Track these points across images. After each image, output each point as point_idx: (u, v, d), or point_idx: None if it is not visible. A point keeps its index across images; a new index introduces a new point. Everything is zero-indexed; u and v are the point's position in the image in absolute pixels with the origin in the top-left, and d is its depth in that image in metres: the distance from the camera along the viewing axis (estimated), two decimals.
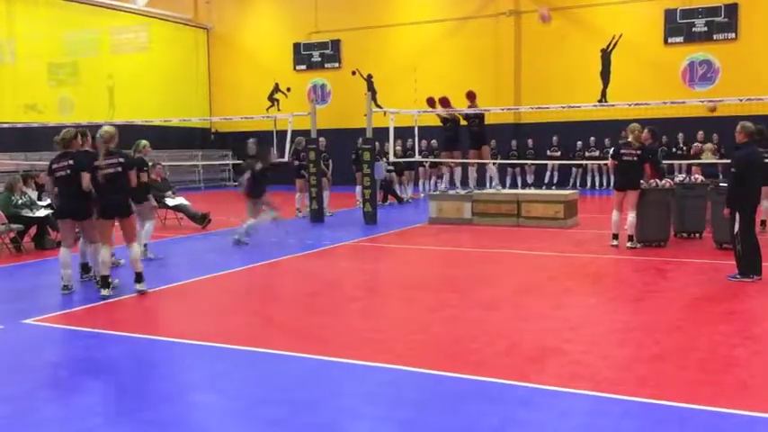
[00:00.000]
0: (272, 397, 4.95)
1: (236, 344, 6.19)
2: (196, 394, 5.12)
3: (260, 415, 4.63)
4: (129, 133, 11.39)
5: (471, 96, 14.44)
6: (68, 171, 8.00)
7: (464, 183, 15.21)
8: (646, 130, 11.05)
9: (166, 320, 7.38)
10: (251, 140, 12.69)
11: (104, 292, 7.99)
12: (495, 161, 15.96)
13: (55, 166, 8.03)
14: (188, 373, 5.64)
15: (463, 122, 14.67)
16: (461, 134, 14.84)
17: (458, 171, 15.18)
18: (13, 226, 11.39)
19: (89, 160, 8.06)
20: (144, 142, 10.53)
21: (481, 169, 15.73)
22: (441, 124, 15.19)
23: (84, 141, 8.63)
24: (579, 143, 22.64)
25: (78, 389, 5.35)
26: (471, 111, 14.32)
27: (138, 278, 8.17)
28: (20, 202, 11.63)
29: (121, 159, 8.06)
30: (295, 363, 5.66)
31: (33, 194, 12.39)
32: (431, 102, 15.09)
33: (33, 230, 11.91)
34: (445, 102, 14.72)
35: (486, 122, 14.78)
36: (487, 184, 17.45)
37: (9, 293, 8.70)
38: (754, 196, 8.39)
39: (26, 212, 11.51)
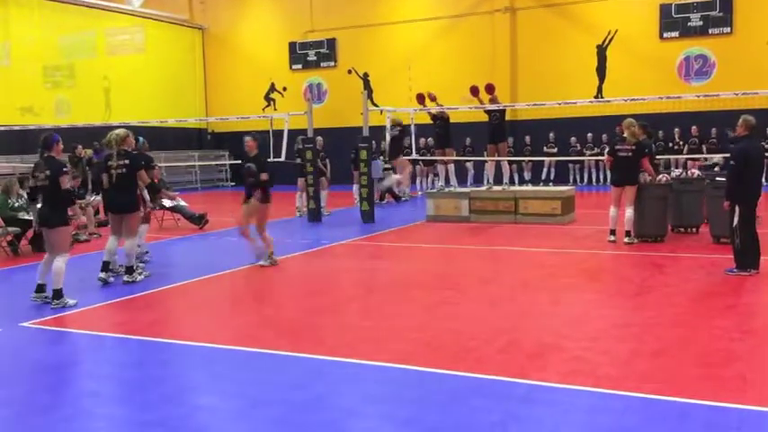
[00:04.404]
0: (272, 397, 4.94)
1: (236, 344, 6.19)
2: (197, 395, 5.11)
3: (261, 415, 4.63)
4: None
5: (490, 89, 14.25)
6: (124, 170, 8.71)
7: (461, 180, 15.14)
8: (637, 126, 11.03)
9: (165, 322, 7.37)
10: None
11: (128, 278, 8.85)
12: (510, 158, 15.66)
13: (111, 163, 8.62)
14: (188, 374, 5.63)
15: (456, 119, 14.59)
16: (451, 131, 14.83)
17: (452, 168, 15.15)
18: (10, 229, 11.37)
19: (144, 160, 9.38)
20: None
21: (480, 166, 15.66)
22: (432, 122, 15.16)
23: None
24: (575, 139, 22.67)
25: (77, 391, 5.34)
26: (494, 106, 14.15)
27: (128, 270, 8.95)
28: (16, 204, 11.60)
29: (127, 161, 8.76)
30: (294, 362, 5.65)
31: None
32: (420, 98, 15.07)
33: (30, 233, 11.88)
34: (432, 97, 14.71)
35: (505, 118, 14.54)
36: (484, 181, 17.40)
37: (6, 296, 8.70)
38: (753, 189, 8.38)
39: (23, 215, 11.48)
